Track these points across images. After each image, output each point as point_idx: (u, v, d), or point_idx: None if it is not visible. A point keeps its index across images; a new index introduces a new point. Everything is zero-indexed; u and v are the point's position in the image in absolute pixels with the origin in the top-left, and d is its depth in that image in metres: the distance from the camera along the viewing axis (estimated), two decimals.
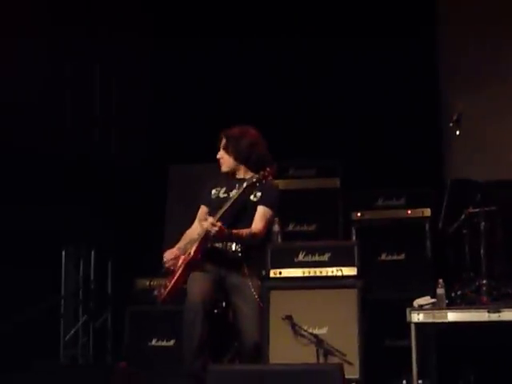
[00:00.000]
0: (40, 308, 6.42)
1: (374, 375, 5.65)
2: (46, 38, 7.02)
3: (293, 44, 7.72)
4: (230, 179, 4.96)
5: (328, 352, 5.45)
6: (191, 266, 4.75)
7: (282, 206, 5.00)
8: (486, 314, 5.21)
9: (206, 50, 7.88)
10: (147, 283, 6.37)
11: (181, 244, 4.91)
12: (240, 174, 4.94)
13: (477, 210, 5.70)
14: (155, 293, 4.89)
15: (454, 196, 5.71)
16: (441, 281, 5.37)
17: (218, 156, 4.97)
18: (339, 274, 5.78)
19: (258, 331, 4.77)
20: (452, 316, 5.27)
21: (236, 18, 7.85)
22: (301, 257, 5.89)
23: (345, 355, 5.41)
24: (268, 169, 4.80)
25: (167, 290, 4.76)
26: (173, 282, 4.74)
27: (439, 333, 5.67)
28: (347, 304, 5.61)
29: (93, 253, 7.18)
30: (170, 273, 4.82)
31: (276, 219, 6.00)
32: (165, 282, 4.82)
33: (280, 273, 5.86)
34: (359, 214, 6.84)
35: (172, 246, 4.95)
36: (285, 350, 5.56)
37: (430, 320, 5.30)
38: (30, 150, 6.59)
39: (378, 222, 6.79)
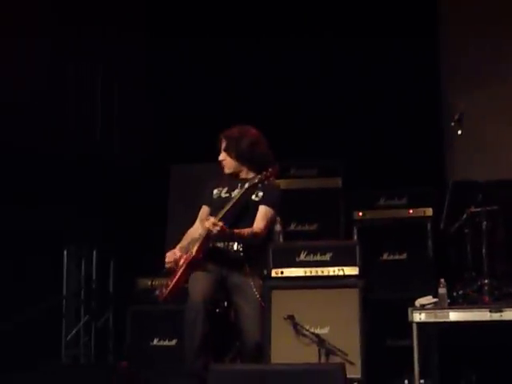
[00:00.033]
0: (42, 308, 6.42)
1: (376, 375, 5.64)
2: (49, 37, 7.02)
3: (294, 44, 7.72)
4: (231, 179, 4.96)
5: (330, 352, 5.43)
6: (193, 265, 4.76)
7: (283, 205, 5.01)
8: (488, 314, 5.20)
9: (207, 50, 7.88)
10: (149, 283, 6.36)
11: (183, 243, 4.92)
12: (242, 174, 4.94)
13: (478, 209, 5.69)
14: (157, 292, 4.89)
15: (456, 196, 5.71)
16: (443, 280, 5.37)
17: (219, 158, 4.97)
18: (341, 273, 5.77)
19: (259, 331, 4.78)
20: (454, 316, 5.26)
21: (237, 18, 7.85)
22: (302, 256, 5.88)
23: (347, 355, 5.40)
24: (270, 169, 4.80)
25: (169, 289, 4.76)
26: (174, 281, 4.75)
27: (441, 332, 5.67)
28: (349, 304, 5.59)
29: (94, 252, 7.19)
30: (171, 272, 4.83)
31: (277, 219, 5.99)
32: (166, 281, 4.83)
33: (282, 272, 5.85)
34: (361, 214, 6.84)
35: (174, 246, 4.95)
36: (286, 350, 5.54)
37: (432, 320, 5.29)
38: (32, 150, 6.60)
39: (380, 222, 6.78)
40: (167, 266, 4.85)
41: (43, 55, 6.95)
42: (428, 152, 7.36)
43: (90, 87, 7.50)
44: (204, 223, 4.77)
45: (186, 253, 4.81)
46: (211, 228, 4.65)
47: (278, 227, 6.40)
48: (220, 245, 4.82)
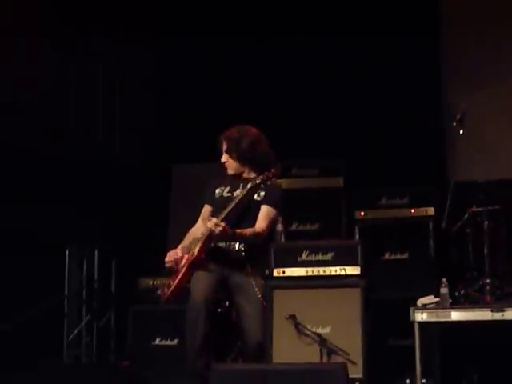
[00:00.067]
0: (43, 307, 6.43)
1: (378, 374, 5.64)
2: (50, 37, 7.02)
3: (296, 44, 7.72)
4: (234, 178, 4.96)
5: (331, 351, 5.44)
6: (195, 265, 4.76)
7: (285, 205, 5.00)
8: (490, 314, 5.20)
9: (208, 50, 7.88)
10: (150, 283, 6.38)
11: (184, 243, 4.92)
12: (245, 174, 4.94)
13: (480, 209, 5.70)
14: (159, 292, 4.89)
15: (458, 195, 5.70)
16: (444, 280, 5.37)
17: (222, 160, 4.97)
18: (342, 273, 5.77)
19: (261, 330, 4.78)
20: (456, 315, 5.27)
21: (238, 19, 7.85)
22: (304, 256, 5.88)
23: (348, 354, 5.40)
24: (273, 170, 4.80)
25: (171, 289, 4.76)
26: (176, 281, 4.75)
27: (443, 332, 5.67)
28: (350, 303, 5.59)
29: (96, 252, 7.19)
30: (173, 272, 4.83)
31: (279, 218, 6.00)
32: (168, 281, 4.83)
33: (283, 272, 5.86)
34: (362, 214, 6.84)
35: (175, 246, 4.96)
36: (288, 350, 5.55)
37: (434, 319, 5.29)
38: (34, 150, 6.60)
39: (382, 221, 6.78)
40: (167, 265, 4.85)
41: (45, 55, 6.95)
42: (429, 151, 7.36)
43: (91, 87, 7.50)
44: (206, 223, 4.77)
45: (188, 252, 4.81)
46: (213, 228, 4.65)
47: (279, 227, 6.40)
48: (222, 244, 4.82)
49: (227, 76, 7.80)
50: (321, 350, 5.46)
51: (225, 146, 4.96)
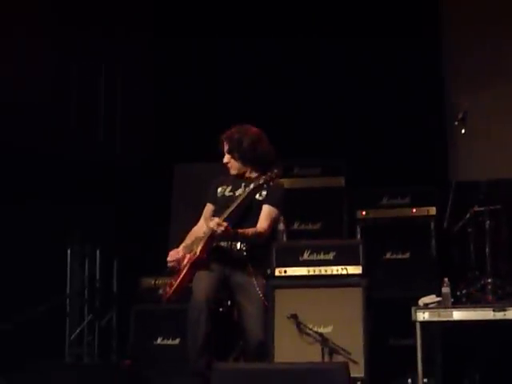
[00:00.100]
0: (45, 307, 6.43)
1: (379, 374, 5.65)
2: (52, 37, 7.03)
3: (297, 43, 7.72)
4: (235, 178, 4.96)
5: (333, 351, 5.45)
6: (197, 265, 4.76)
7: (287, 204, 5.00)
8: (492, 313, 5.21)
9: (209, 49, 7.88)
10: (152, 282, 6.38)
11: (186, 242, 4.92)
12: (247, 174, 4.94)
13: (482, 208, 5.70)
14: (161, 292, 4.90)
15: (459, 195, 5.71)
16: (446, 279, 5.37)
17: (224, 161, 4.96)
18: (344, 272, 5.78)
19: (262, 330, 4.78)
20: (457, 315, 5.27)
21: (239, 18, 7.84)
22: (306, 255, 5.89)
23: (350, 354, 5.41)
24: (276, 171, 4.80)
25: (173, 288, 4.76)
26: (178, 280, 4.75)
27: (444, 331, 5.67)
28: (352, 303, 5.60)
29: (98, 252, 7.19)
30: (175, 272, 4.83)
31: (281, 218, 6.00)
32: (170, 280, 4.83)
33: (285, 271, 5.86)
34: (364, 213, 6.84)
35: (177, 245, 4.96)
36: (290, 349, 5.56)
37: (436, 319, 5.29)
38: (34, 150, 6.61)
39: (383, 221, 6.79)
40: (169, 264, 4.85)
41: (45, 55, 6.95)
42: (431, 151, 7.36)
43: (93, 87, 7.51)
44: (208, 222, 4.77)
45: (190, 252, 4.81)
46: (215, 228, 4.65)
47: (281, 226, 6.41)
48: (223, 244, 4.82)
49: (228, 76, 7.80)
50: (322, 350, 5.47)
51: (226, 147, 4.96)
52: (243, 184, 4.89)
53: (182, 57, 7.97)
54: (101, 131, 7.57)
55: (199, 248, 4.75)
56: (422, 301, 5.38)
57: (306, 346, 5.55)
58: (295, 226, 7.02)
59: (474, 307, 5.31)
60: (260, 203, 4.85)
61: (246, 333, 4.78)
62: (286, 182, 5.34)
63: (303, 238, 6.63)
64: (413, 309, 5.31)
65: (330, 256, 5.85)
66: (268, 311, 5.05)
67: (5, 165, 6.35)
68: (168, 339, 6.22)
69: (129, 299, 6.61)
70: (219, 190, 5.00)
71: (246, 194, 4.78)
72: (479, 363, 5.77)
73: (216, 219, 4.69)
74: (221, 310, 5.22)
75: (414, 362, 5.25)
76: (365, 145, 7.44)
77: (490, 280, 5.50)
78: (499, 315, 5.18)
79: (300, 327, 5.58)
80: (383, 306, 6.03)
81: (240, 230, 4.73)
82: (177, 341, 6.18)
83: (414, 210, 6.75)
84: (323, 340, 5.48)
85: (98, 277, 7.17)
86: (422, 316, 5.27)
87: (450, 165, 7.43)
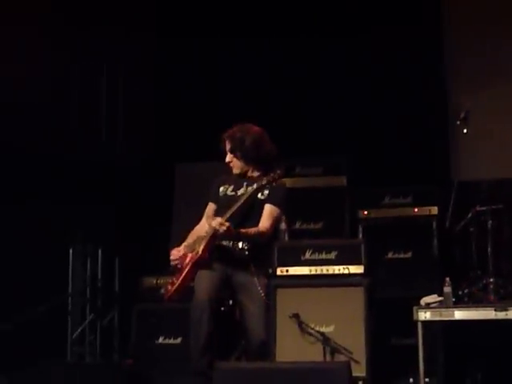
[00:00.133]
0: (47, 306, 6.43)
1: (381, 373, 5.64)
2: (52, 37, 7.02)
3: (298, 42, 7.71)
4: (238, 177, 4.96)
5: (335, 350, 5.44)
6: (199, 264, 4.76)
7: (288, 204, 5.01)
8: (493, 312, 5.20)
9: (210, 49, 7.88)
10: (154, 281, 6.38)
11: (188, 241, 4.92)
12: (249, 173, 4.94)
13: (484, 208, 5.70)
14: (162, 291, 4.90)
15: (461, 194, 5.70)
16: (448, 279, 5.37)
17: (227, 160, 4.97)
18: (346, 272, 5.77)
19: (264, 329, 4.78)
20: (459, 314, 5.27)
21: (240, 18, 7.84)
22: (307, 255, 5.89)
23: (351, 353, 5.40)
24: (278, 171, 4.80)
25: (175, 288, 4.77)
26: (180, 280, 4.75)
27: (446, 331, 5.67)
28: (354, 302, 5.60)
29: (100, 251, 7.19)
30: (177, 271, 4.83)
31: (283, 217, 6.00)
32: (172, 280, 4.83)
33: (287, 271, 5.86)
34: (366, 212, 6.84)
35: (179, 245, 4.96)
36: (291, 348, 5.55)
37: (437, 318, 5.29)
38: (37, 150, 6.61)
39: (385, 220, 6.78)
40: (172, 263, 4.85)
41: (47, 55, 6.95)
42: (433, 151, 7.35)
43: (94, 87, 7.50)
44: (210, 221, 4.78)
45: (192, 251, 4.81)
46: (218, 227, 4.65)
47: (283, 225, 6.41)
48: (225, 243, 4.82)
49: (229, 75, 7.80)
50: (324, 349, 5.46)
51: (228, 146, 4.96)
52: (245, 183, 4.89)
53: (184, 56, 7.97)
54: (102, 131, 7.57)
55: (201, 247, 4.76)
56: (424, 300, 5.38)
57: (307, 345, 5.55)
58: (297, 225, 7.02)
59: (476, 307, 5.30)
60: (262, 202, 4.85)
61: (247, 332, 4.79)
62: (288, 182, 5.34)
63: (305, 238, 6.62)
64: (414, 308, 5.31)
65: (332, 255, 5.84)
66: (270, 310, 5.05)
67: (5, 165, 6.35)
68: (170, 338, 6.22)
69: (131, 298, 6.61)
70: (221, 189, 5.00)
71: (248, 194, 4.78)
72: (481, 363, 5.77)
73: (218, 218, 4.69)
74: (223, 309, 5.22)
75: (416, 362, 5.25)
76: (367, 144, 7.44)
77: (491, 279, 5.50)
78: (501, 315, 5.18)
79: (302, 326, 5.58)
80: (385, 306, 6.03)
81: (242, 230, 4.73)
82: (179, 340, 6.18)
83: (416, 210, 6.74)
84: (325, 339, 5.47)
85: (99, 276, 7.17)
86: (424, 315, 5.27)
87: (451, 164, 7.42)
